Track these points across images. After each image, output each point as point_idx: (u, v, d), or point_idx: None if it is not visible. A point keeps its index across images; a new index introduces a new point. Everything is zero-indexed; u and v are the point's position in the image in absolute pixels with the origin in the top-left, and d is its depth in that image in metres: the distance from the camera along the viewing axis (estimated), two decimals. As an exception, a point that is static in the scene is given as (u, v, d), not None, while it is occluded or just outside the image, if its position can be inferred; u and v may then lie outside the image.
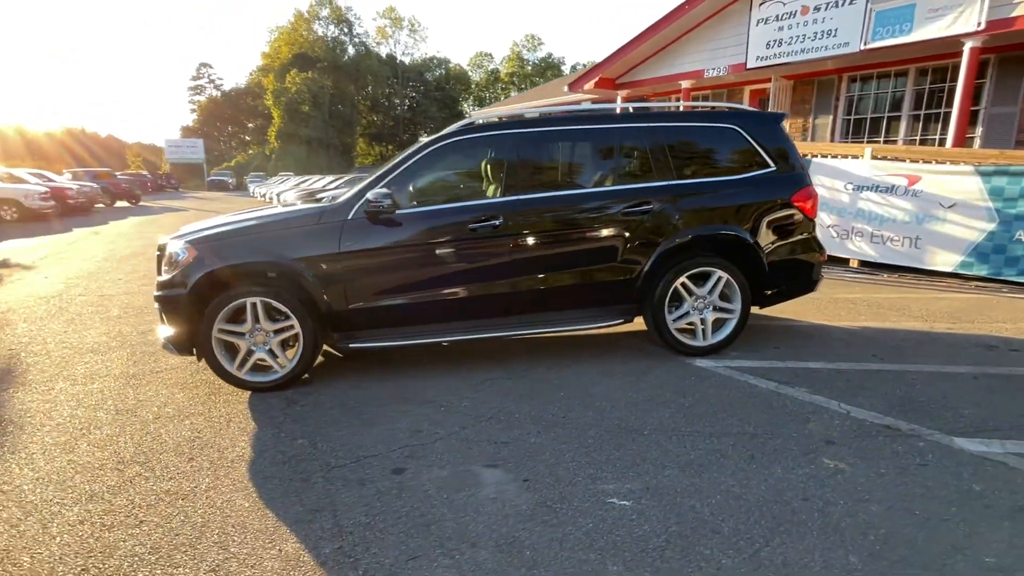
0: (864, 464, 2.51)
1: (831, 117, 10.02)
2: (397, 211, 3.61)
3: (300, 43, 52.33)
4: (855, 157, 7.10)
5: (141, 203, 26.71)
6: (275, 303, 3.46)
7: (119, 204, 25.36)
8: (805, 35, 8.96)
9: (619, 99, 12.74)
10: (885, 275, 6.75)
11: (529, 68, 61.36)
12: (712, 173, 4.02)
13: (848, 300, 5.60)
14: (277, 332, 3.53)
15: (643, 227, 3.79)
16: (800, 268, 4.16)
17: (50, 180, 20.22)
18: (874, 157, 6.91)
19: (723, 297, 3.98)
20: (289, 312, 3.48)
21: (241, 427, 3.06)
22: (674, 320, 3.92)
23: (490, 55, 66.10)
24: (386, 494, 2.38)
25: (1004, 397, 3.20)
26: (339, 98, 50.06)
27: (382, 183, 3.63)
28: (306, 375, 3.74)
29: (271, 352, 3.53)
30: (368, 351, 3.99)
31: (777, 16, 9.27)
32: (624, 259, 3.80)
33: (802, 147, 7.85)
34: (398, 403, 3.33)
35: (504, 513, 2.23)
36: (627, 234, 3.78)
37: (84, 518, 2.24)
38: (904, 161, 6.70)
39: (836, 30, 8.56)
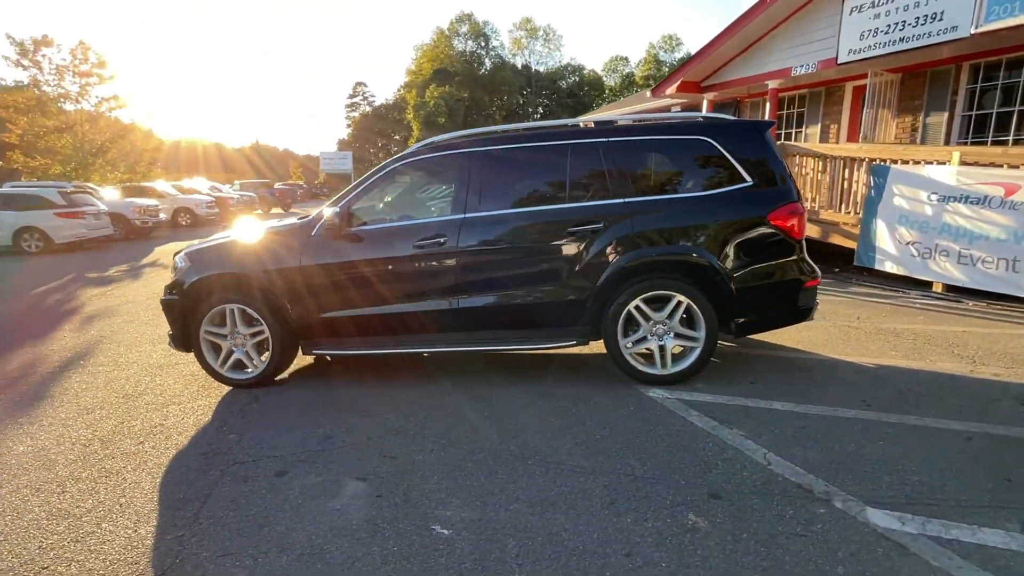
0: (732, 525, 2.23)
1: (946, 114, 8.54)
2: (351, 229, 3.86)
3: (441, 59, 56.08)
4: (941, 163, 6.04)
5: (292, 209, 30.71)
6: (249, 310, 3.90)
7: (275, 210, 29.14)
8: (905, 21, 7.77)
9: (705, 104, 12.02)
10: (970, 303, 5.65)
11: (666, 69, 59.42)
12: (678, 189, 3.74)
13: (893, 331, 4.81)
14: (252, 336, 3.96)
15: (592, 247, 3.65)
16: (778, 295, 3.72)
17: (218, 190, 24.09)
18: (964, 162, 5.82)
19: (686, 323, 3.69)
20: (260, 319, 3.89)
21: (198, 418, 3.50)
22: (630, 345, 3.71)
23: (626, 59, 64.99)
24: (256, 493, 2.61)
25: (983, 466, 2.60)
26: (474, 109, 52.73)
27: (342, 202, 3.91)
28: (283, 375, 4.15)
29: (247, 354, 3.97)
30: (348, 357, 4.31)
31: (873, 3, 8.14)
32: (571, 279, 3.68)
33: (875, 150, 6.86)
34: (336, 409, 3.57)
35: (333, 525, 2.34)
36: (575, 254, 3.67)
37: (34, 485, 2.75)
38: (1001, 167, 5.56)
39: (941, 13, 7.31)
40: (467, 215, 3.77)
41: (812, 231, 7.66)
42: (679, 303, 3.61)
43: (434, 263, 3.77)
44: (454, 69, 54.47)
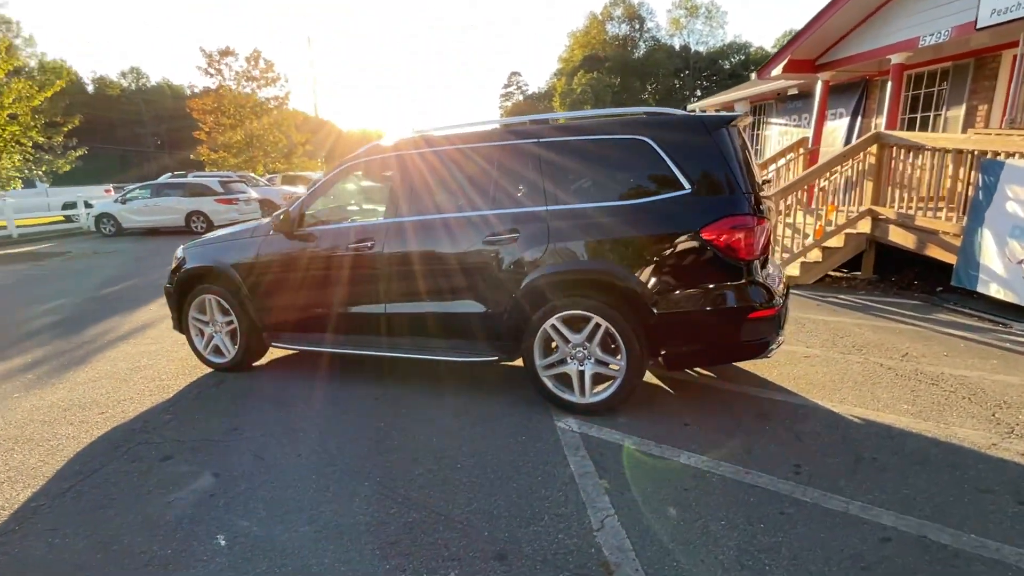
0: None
1: None
2: (304, 229, 4.03)
3: (592, 44, 55.62)
4: (1073, 159, 4.54)
5: None
6: (223, 301, 4.29)
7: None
8: (1072, -31, 5.89)
9: (819, 84, 10.36)
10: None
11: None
12: (606, 197, 3.29)
13: (934, 377, 3.77)
14: (227, 325, 4.36)
15: (508, 258, 3.39)
16: (713, 325, 3.12)
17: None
18: (1104, 159, 4.31)
19: (608, 350, 3.28)
20: (231, 309, 4.27)
21: (160, 395, 3.96)
22: (546, 367, 3.40)
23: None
24: (129, 475, 2.90)
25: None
26: (624, 94, 51.54)
27: (297, 202, 4.09)
28: (260, 361, 4.52)
29: (223, 340, 4.38)
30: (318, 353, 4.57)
31: (1029, -54, 6.29)
32: (490, 292, 3.47)
33: (985, 141, 5.37)
34: (269, 403, 3.80)
35: (148, 517, 2.52)
36: (491, 264, 3.44)
37: (24, 446, 3.35)
38: None
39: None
40: (395, 219, 3.74)
41: (906, 240, 6.28)
42: (597, 326, 3.21)
43: (364, 267, 3.80)
44: (605, 54, 53.47)
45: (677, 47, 56.09)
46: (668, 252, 3.10)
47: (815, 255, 6.98)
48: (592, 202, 3.31)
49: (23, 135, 16.36)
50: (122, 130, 56.94)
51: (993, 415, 3.20)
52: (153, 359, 4.79)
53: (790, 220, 7.22)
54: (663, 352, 3.18)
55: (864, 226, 6.99)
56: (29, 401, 3.92)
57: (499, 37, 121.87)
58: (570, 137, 3.41)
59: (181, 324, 4.54)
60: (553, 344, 3.43)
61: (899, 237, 6.50)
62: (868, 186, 7.05)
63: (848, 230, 6.92)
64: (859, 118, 11.18)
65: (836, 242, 6.95)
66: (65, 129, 18.80)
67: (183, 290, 4.47)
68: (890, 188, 6.81)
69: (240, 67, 28.20)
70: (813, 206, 7.60)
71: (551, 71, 77.87)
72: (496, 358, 3.58)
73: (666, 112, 3.41)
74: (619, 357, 3.21)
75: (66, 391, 4.09)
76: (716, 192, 3.09)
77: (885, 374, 3.87)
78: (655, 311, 3.11)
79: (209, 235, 4.75)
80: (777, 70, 10.60)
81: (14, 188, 18.88)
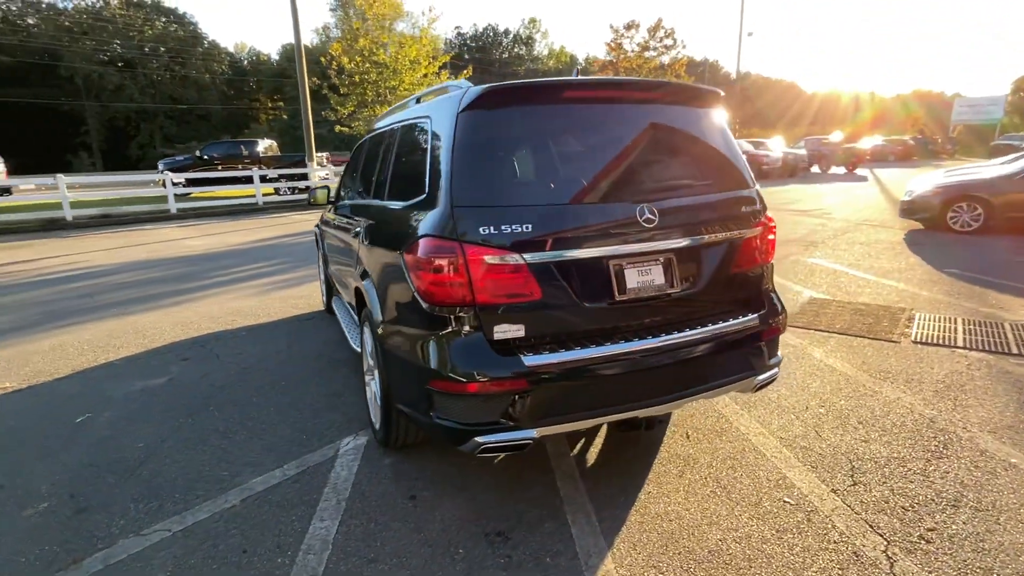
0: None
1: None
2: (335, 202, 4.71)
3: None
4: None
5: (861, 170, 27.54)
6: None
7: (860, 170, 27.26)
8: None
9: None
10: None
11: None
12: (393, 194, 3.01)
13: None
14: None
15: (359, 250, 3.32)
16: (408, 385, 2.51)
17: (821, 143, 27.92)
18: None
19: None
20: None
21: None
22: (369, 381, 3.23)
23: None
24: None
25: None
26: None
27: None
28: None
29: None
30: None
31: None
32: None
33: None
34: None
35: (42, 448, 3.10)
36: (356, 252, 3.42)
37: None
38: None
39: None
40: (354, 201, 4.07)
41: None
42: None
43: (349, 244, 3.86)
44: None
45: None
46: (388, 276, 2.66)
47: None
48: (381, 199, 3.18)
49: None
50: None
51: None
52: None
53: None
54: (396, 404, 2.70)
55: None
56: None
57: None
58: (401, 120, 3.27)
59: None
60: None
61: None
62: None
63: None
64: None
65: None
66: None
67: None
68: None
69: (642, 39, 29.60)
70: None
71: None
72: None
73: (451, 85, 2.64)
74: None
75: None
76: (432, 203, 2.32)
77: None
78: (383, 347, 2.66)
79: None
80: None
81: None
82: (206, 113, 58.60)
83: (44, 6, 53.37)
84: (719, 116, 2.81)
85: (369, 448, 3.11)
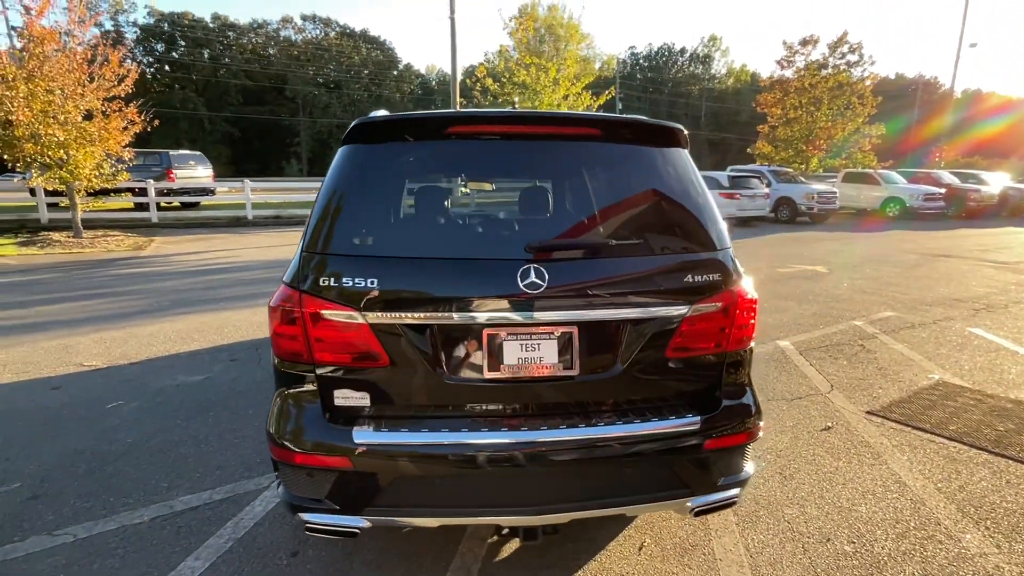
0: None
1: None
2: None
3: None
4: None
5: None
6: None
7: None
8: None
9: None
10: None
11: None
12: None
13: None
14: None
15: None
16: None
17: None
18: None
19: None
20: None
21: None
22: None
23: None
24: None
25: None
26: None
27: None
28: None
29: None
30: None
31: None
32: None
33: None
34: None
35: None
36: None
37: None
38: None
39: None
40: None
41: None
42: None
43: None
44: None
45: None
46: None
47: None
48: None
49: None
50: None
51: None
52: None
53: None
54: None
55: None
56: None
57: None
58: None
59: None
60: None
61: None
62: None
63: None
64: None
65: None
66: None
67: None
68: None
69: (821, 54, 24.54)
70: None
71: None
72: None
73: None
74: None
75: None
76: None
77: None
78: None
79: None
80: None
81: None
82: (392, 128, 66.48)
83: (281, 38, 65.57)
84: (676, 158, 2.20)
85: (300, 486, 3.01)
